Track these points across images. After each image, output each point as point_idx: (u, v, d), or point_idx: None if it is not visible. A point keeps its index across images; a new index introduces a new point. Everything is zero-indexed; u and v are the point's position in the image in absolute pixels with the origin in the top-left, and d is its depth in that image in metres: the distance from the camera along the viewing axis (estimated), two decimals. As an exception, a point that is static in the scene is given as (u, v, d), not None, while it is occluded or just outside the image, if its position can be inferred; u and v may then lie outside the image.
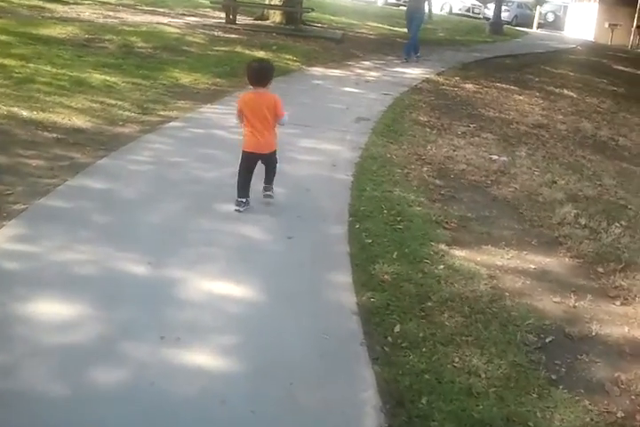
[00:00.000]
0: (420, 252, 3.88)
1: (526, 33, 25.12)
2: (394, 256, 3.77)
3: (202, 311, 3.05)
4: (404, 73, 11.39)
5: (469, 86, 10.77)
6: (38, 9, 13.11)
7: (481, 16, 30.77)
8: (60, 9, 13.56)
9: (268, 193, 4.39)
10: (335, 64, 11.55)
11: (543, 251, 4.25)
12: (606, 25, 26.65)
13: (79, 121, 6.07)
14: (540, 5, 37.34)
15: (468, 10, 30.25)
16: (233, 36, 12.96)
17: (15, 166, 4.70)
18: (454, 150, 6.43)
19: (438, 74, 11.63)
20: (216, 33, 13.01)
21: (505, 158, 6.36)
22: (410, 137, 6.76)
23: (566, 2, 40.60)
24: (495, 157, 6.37)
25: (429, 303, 3.33)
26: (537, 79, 12.71)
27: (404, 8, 28.21)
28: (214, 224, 4.03)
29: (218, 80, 8.82)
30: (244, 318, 3.05)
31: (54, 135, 5.53)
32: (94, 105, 6.71)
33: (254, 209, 4.30)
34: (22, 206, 3.98)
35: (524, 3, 36.24)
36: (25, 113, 6.06)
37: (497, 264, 3.92)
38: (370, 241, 3.94)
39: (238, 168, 4.29)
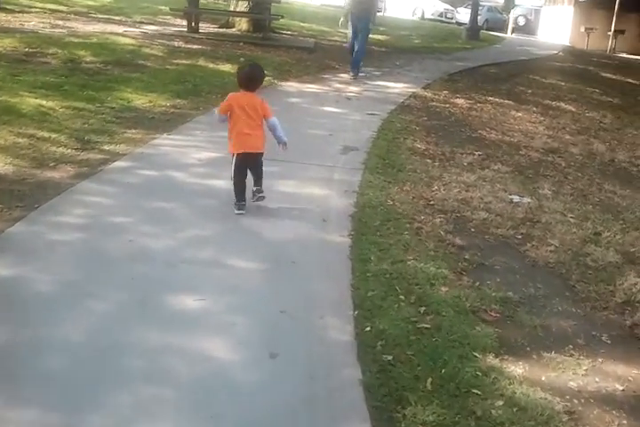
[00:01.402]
0: (464, 374, 2.68)
1: (503, 38, 24.27)
2: (428, 386, 2.57)
3: None
4: (387, 87, 10.25)
5: (461, 102, 9.67)
6: (-25, 18, 11.69)
7: (454, 21, 29.91)
8: (1, 18, 12.14)
9: (260, 195, 4.29)
10: (310, 77, 10.36)
11: (622, 354, 3.09)
12: (582, 29, 25.98)
13: (-4, 164, 4.78)
14: (511, 9, 36.70)
15: (440, 15, 29.36)
16: (195, 46, 11.68)
17: None
18: (466, 190, 5.27)
19: (424, 87, 10.51)
20: (176, 43, 11.72)
21: (529, 200, 5.22)
22: (410, 173, 5.58)
23: (536, 5, 40.11)
24: (516, 198, 5.23)
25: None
26: (529, 91, 11.68)
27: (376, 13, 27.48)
28: (163, 337, 2.78)
29: (177, 101, 7.55)
30: None
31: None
32: (21, 140, 5.41)
33: (218, 304, 3.08)
34: None
35: (494, 6, 35.56)
36: None
37: (571, 387, 2.75)
38: (389, 358, 2.74)
39: (232, 173, 4.21)
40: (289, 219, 4.26)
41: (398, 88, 10.24)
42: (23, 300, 2.97)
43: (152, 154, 5.44)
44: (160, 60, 9.77)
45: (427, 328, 3.00)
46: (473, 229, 4.47)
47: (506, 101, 10.19)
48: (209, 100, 7.82)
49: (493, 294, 3.47)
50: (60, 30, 11.58)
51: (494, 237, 4.38)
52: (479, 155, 6.60)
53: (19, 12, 13.44)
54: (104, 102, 7.03)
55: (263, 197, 4.31)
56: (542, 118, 9.27)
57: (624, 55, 23.62)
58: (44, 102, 6.57)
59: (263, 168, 4.33)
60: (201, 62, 10.05)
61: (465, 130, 7.75)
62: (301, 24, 18.04)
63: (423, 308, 3.19)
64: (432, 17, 28.94)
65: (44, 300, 2.99)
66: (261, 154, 4.27)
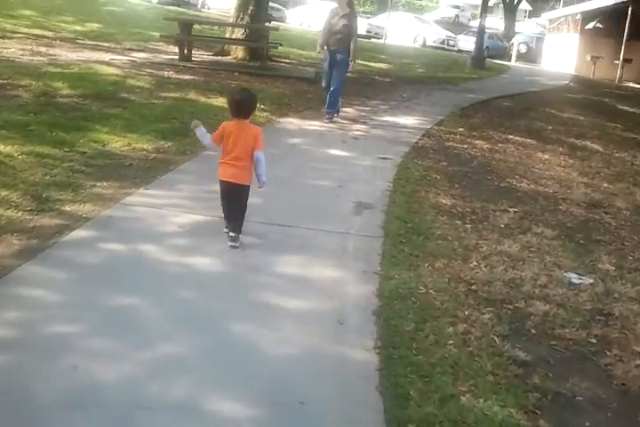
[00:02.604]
0: None
1: (508, 67, 23.51)
2: None
3: None
4: (397, 124, 9.28)
5: (480, 142, 8.69)
6: (-50, 44, 10.74)
7: (456, 48, 29.25)
8: (-21, 44, 11.21)
9: (232, 244, 4.01)
10: (312, 112, 9.39)
11: None
12: (588, 57, 25.29)
13: None
14: (513, 37, 36.16)
15: (442, 42, 28.69)
16: (186, 76, 10.73)
17: None
18: (512, 266, 4.25)
19: (437, 124, 9.55)
20: (166, 73, 10.78)
21: (590, 280, 4.19)
22: (440, 241, 4.55)
23: (537, 33, 39.68)
24: (575, 277, 4.20)
25: None
26: (549, 127, 10.73)
27: (376, 40, 26.58)
28: None
29: (161, 143, 6.53)
30: None
31: None
32: (-42, 200, 4.37)
33: None
34: None
35: (495, 34, 34.97)
36: None
37: None
38: None
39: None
40: (294, 321, 3.21)
41: (409, 125, 9.27)
42: None
43: (122, 218, 4.39)
44: (145, 93, 8.79)
45: None
46: (534, 331, 3.43)
47: (528, 141, 9.22)
48: (197, 141, 6.80)
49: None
50: (40, 58, 10.63)
51: (563, 344, 3.33)
52: (515, 212, 5.58)
53: (0, 37, 12.52)
54: (74, 146, 6.00)
55: (234, 246, 4.01)
56: (572, 161, 8.29)
57: (632, 84, 22.86)
58: (0, 147, 5.54)
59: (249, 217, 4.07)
60: (191, 95, 9.07)
61: (492, 178, 6.75)
62: (300, 52, 17.17)
63: None
64: (434, 44, 28.25)
65: None
66: (242, 187, 4.03)
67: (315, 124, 8.45)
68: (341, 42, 8.48)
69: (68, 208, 4.49)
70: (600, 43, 25.61)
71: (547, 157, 8.30)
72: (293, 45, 17.35)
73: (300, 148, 7.12)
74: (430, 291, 3.68)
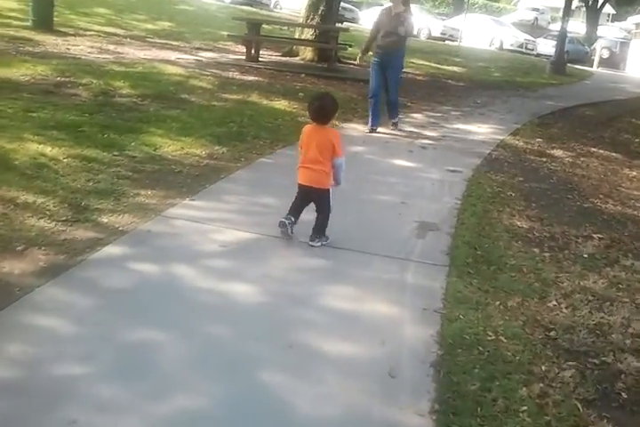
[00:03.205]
0: None
1: (590, 73, 22.29)
2: None
3: None
4: (469, 132, 8.67)
5: (561, 154, 7.99)
6: (22, 41, 10.76)
7: (534, 52, 28.07)
8: (49, 41, 11.22)
9: (311, 243, 4.00)
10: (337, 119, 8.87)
11: None
12: (678, 64, 23.75)
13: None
14: (595, 41, 34.53)
15: (520, 45, 27.55)
16: (251, 77, 10.42)
17: None
18: (598, 308, 3.66)
19: (513, 134, 8.87)
20: (231, 74, 10.50)
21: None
22: (514, 273, 3.99)
23: (621, 37, 37.75)
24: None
25: None
26: (637, 140, 9.87)
27: (450, 43, 25.69)
28: None
29: (216, 148, 6.19)
30: None
31: None
32: (-7, 206, 4.10)
33: None
34: None
35: (575, 38, 33.42)
36: None
37: None
38: None
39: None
40: (337, 370, 2.73)
41: (482, 134, 8.64)
42: None
43: (160, 233, 4.02)
44: (207, 95, 8.49)
45: None
46: (625, 395, 2.83)
47: (613, 154, 8.44)
48: (254, 147, 6.44)
49: None
50: (106, 56, 10.53)
51: (664, 415, 2.73)
52: (600, 239, 4.93)
53: (72, 35, 12.56)
54: (124, 149, 5.72)
55: (316, 244, 4.02)
56: (663, 179, 7.48)
57: None
58: (47, 150, 5.30)
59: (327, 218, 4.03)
60: (253, 97, 8.73)
61: (573, 197, 6.09)
62: (370, 53, 16.63)
63: None
64: (511, 48, 27.16)
65: None
66: (321, 190, 3.99)
67: (380, 131, 7.94)
68: (395, 44, 7.68)
69: (105, 219, 4.17)
70: (692, 48, 24.05)
71: (634, 174, 7.53)
72: (364, 47, 16.83)
73: (363, 157, 6.63)
74: (501, 338, 3.14)
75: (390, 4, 7.86)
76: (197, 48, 13.55)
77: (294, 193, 4.13)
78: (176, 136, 6.35)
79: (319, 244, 4.00)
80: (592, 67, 26.97)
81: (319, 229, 4.03)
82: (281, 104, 8.59)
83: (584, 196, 6.20)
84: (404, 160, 6.64)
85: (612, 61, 31.00)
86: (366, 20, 27.18)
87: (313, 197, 4.04)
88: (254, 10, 23.17)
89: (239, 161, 5.93)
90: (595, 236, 5.00)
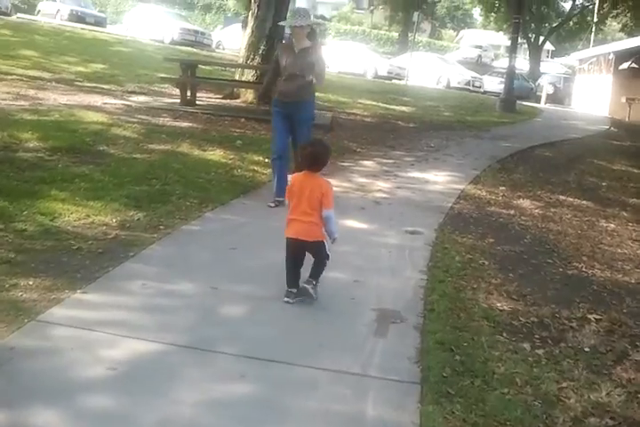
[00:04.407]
0: None
1: (540, 110, 22.06)
2: None
3: None
4: (426, 181, 7.83)
5: (528, 205, 7.20)
6: None
7: (482, 90, 27.99)
8: (-41, 87, 10.06)
9: (305, 286, 3.73)
10: (326, 167, 7.93)
11: None
12: (623, 99, 23.81)
13: None
14: (539, 77, 34.93)
15: (467, 83, 27.41)
16: (184, 124, 9.45)
17: None
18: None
19: (474, 182, 8.07)
20: (162, 120, 9.50)
21: None
22: (506, 390, 3.02)
23: (563, 73, 38.40)
24: None
25: None
26: (603, 184, 9.21)
27: (397, 81, 25.28)
28: None
29: (130, 215, 5.14)
30: None
31: None
32: None
33: None
34: None
35: (520, 74, 33.72)
36: None
37: None
38: None
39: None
40: None
41: (440, 183, 7.81)
42: None
43: (28, 351, 2.92)
44: (130, 145, 7.46)
45: None
46: None
47: (584, 203, 7.70)
48: (178, 209, 5.42)
49: None
50: (22, 103, 9.42)
51: None
52: (598, 321, 4.05)
53: (-10, 79, 11.41)
54: (13, 221, 4.63)
55: (307, 290, 3.75)
56: (643, 231, 6.74)
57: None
58: None
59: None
60: (184, 147, 7.73)
61: (554, 261, 5.23)
62: (318, 94, 15.89)
63: None
64: (458, 85, 26.97)
65: None
66: (313, 243, 3.74)
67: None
68: (301, 90, 5.78)
69: (-45, 330, 3.05)
70: (636, 84, 24.19)
71: (612, 226, 6.76)
72: (310, 87, 16.09)
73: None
74: None
75: (292, 37, 6.02)
76: (130, 92, 12.56)
77: (223, 273, 3.11)
78: (83, 200, 5.29)
79: (312, 291, 3.73)
80: (539, 103, 26.99)
81: (315, 274, 3.79)
82: (215, 154, 7.61)
83: (565, 259, 5.34)
84: (355, 220, 5.69)
85: (557, 97, 31.22)
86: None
87: (307, 250, 3.77)
88: (195, 50, 22.35)
89: (157, 230, 4.88)
90: (590, 317, 4.10)
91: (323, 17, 59.47)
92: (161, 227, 4.95)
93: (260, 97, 6.49)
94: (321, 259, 3.80)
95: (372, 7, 56.87)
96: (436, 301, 3.96)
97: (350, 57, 26.32)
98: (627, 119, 22.90)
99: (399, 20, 44.19)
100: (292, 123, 5.91)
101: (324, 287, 3.94)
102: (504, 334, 3.64)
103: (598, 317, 4.11)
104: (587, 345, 3.65)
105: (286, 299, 3.73)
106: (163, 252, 4.41)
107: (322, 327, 3.50)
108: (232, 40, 25.67)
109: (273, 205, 5.87)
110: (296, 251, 3.77)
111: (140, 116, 9.46)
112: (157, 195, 5.72)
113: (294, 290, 3.75)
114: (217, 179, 6.55)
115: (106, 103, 10.41)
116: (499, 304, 4.08)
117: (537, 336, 3.70)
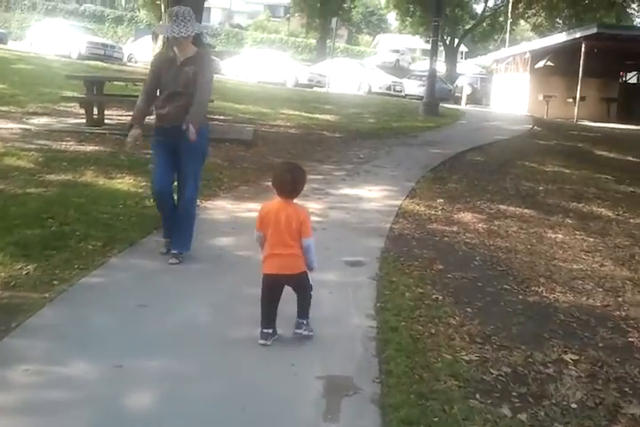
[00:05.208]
0: None
1: (462, 112, 21.99)
2: None
3: None
4: (360, 198, 7.23)
5: (470, 218, 6.72)
6: None
7: (403, 94, 27.88)
8: None
9: (298, 331, 3.51)
10: (249, 189, 7.30)
11: None
12: (540, 97, 24.16)
13: None
14: (457, 79, 35.26)
15: (388, 88, 27.19)
16: (90, 147, 8.55)
17: None
18: None
19: (410, 195, 7.54)
20: (64, 145, 8.57)
21: None
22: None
23: (479, 74, 38.93)
24: None
25: None
26: (541, 188, 8.88)
27: (319, 89, 24.74)
28: None
29: (18, 267, 4.29)
30: None
31: None
32: None
33: None
34: None
35: (438, 76, 33.93)
36: None
37: None
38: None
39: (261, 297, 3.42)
40: None
41: (376, 199, 7.23)
42: None
43: None
44: (23, 178, 6.54)
45: None
46: None
47: (526, 211, 7.29)
48: (77, 256, 4.60)
49: None
50: None
51: None
52: (576, 363, 3.50)
53: None
54: None
55: (302, 335, 3.48)
56: (592, 240, 6.37)
57: (590, 123, 21.63)
58: None
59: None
60: (88, 176, 6.86)
61: (512, 287, 4.70)
62: (236, 106, 15.19)
63: None
64: (380, 90, 26.71)
65: None
66: (299, 275, 3.48)
67: (252, 209, 6.23)
68: (186, 112, 4.44)
69: None
70: (552, 81, 24.62)
71: (560, 236, 6.34)
72: (228, 99, 15.37)
73: (232, 255, 4.94)
74: None
75: (172, 45, 4.71)
76: (31, 113, 11.50)
77: (130, 343, 2.36)
78: (-42, 253, 4.38)
79: (307, 333, 3.50)
80: (459, 104, 27.10)
81: (304, 313, 3.54)
82: (124, 183, 6.77)
83: (522, 282, 4.82)
84: (287, 253, 4.98)
85: (475, 97, 31.49)
86: (229, 71, 25.91)
87: (289, 284, 3.52)
88: (105, 65, 21.15)
89: (50, 287, 4.05)
90: (567, 358, 3.56)
91: (239, 26, 58.77)
92: (55, 282, 4.13)
93: (133, 123, 4.68)
94: (305, 292, 3.55)
95: (288, 15, 56.58)
96: (393, 358, 3.31)
97: (269, 65, 25.66)
98: (545, 116, 23.20)
99: (316, 27, 43.87)
100: (177, 155, 4.61)
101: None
102: (477, 397, 3.02)
103: (575, 357, 3.58)
104: (572, 400, 3.09)
105: (262, 341, 3.42)
106: (54, 318, 3.60)
107: (255, 418, 2.78)
108: (144, 53, 24.50)
109: (164, 251, 4.77)
110: (276, 287, 3.49)
111: (38, 142, 8.50)
112: (53, 239, 4.87)
113: (270, 331, 3.45)
114: (125, 213, 5.73)
115: (0, 128, 9.36)
116: (464, 353, 3.48)
117: (514, 394, 3.11)
